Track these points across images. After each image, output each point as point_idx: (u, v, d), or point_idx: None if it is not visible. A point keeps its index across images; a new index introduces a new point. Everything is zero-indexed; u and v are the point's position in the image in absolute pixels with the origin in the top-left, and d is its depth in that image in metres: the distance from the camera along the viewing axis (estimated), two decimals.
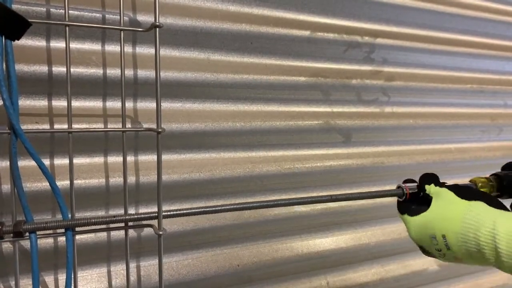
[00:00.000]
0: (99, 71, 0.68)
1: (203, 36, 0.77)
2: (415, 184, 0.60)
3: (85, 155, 0.68)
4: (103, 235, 0.69)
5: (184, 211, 0.57)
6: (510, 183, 0.60)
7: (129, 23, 0.69)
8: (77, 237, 0.63)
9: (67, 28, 0.56)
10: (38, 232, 0.51)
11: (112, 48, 0.68)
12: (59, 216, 0.56)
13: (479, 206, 0.49)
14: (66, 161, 0.62)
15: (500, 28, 1.25)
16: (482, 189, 0.61)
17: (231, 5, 0.80)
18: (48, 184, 0.52)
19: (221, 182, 0.79)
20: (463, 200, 0.51)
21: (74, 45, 0.65)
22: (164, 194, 0.61)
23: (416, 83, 1.08)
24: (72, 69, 0.63)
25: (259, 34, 0.83)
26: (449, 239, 0.50)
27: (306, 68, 0.90)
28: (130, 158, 0.71)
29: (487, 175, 0.63)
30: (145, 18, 0.71)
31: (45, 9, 0.63)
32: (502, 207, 0.49)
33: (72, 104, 0.57)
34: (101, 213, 0.69)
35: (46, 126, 0.64)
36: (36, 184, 0.63)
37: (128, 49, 0.70)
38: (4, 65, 0.48)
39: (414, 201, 0.58)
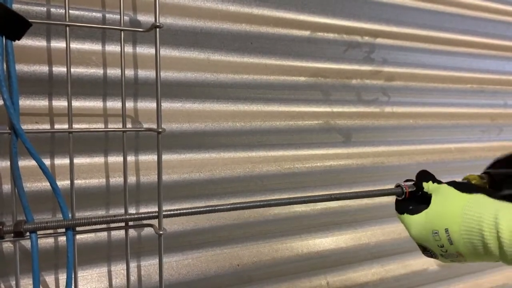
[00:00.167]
0: (99, 71, 0.68)
1: (203, 36, 0.77)
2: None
3: (85, 155, 0.68)
4: (103, 235, 0.69)
5: (185, 211, 0.57)
6: (502, 180, 0.61)
7: (130, 23, 0.70)
8: (78, 236, 0.63)
9: (67, 28, 0.56)
10: (38, 232, 0.51)
11: (112, 48, 0.68)
12: (59, 216, 0.56)
13: (480, 198, 0.50)
14: (66, 161, 0.62)
15: (500, 28, 1.25)
16: None
17: (231, 5, 0.80)
18: (48, 184, 0.52)
19: (221, 182, 0.79)
20: (464, 194, 0.51)
21: (74, 45, 0.65)
22: (164, 194, 0.61)
23: (416, 83, 1.08)
24: (72, 69, 0.63)
25: (259, 34, 0.83)
26: (452, 232, 0.49)
27: (306, 68, 0.90)
28: (130, 158, 0.71)
29: (480, 173, 0.63)
30: (145, 18, 0.71)
31: (45, 9, 0.63)
32: (502, 199, 0.49)
33: (72, 104, 0.57)
34: (101, 213, 0.69)
35: (47, 126, 0.65)
36: (37, 184, 0.63)
37: (128, 49, 0.70)
38: (5, 65, 0.48)
39: (412, 200, 0.58)
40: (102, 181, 0.68)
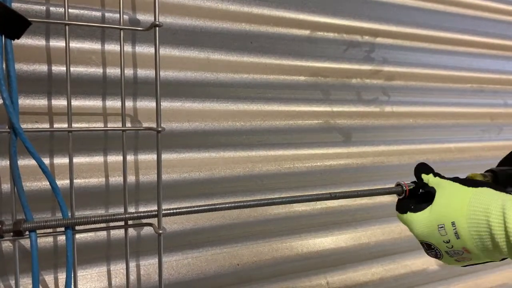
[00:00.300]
0: (99, 70, 0.68)
1: (203, 36, 0.77)
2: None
3: (85, 154, 0.68)
4: (103, 234, 0.69)
5: (184, 209, 0.57)
6: (505, 179, 0.60)
7: (129, 22, 0.70)
8: (77, 236, 0.63)
9: (67, 27, 0.56)
10: (38, 231, 0.51)
11: (112, 47, 0.68)
12: (59, 215, 0.56)
13: (486, 191, 0.49)
14: (66, 160, 0.62)
15: (500, 27, 1.25)
16: None
17: (231, 4, 0.80)
18: (48, 183, 0.52)
19: (221, 181, 0.79)
20: (469, 187, 0.51)
21: (74, 44, 0.65)
22: (163, 193, 0.61)
23: (416, 83, 1.08)
24: (72, 68, 0.63)
25: (259, 34, 0.83)
26: (459, 225, 0.48)
27: (306, 67, 0.90)
28: (130, 157, 0.71)
29: (483, 172, 0.63)
30: (145, 17, 0.71)
31: (44, 8, 0.63)
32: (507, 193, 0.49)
33: (72, 103, 0.57)
34: (101, 212, 0.69)
35: (46, 125, 0.64)
36: (36, 183, 0.63)
37: (128, 48, 0.70)
38: (4, 64, 0.48)
39: (413, 198, 0.58)
40: (102, 180, 0.68)
